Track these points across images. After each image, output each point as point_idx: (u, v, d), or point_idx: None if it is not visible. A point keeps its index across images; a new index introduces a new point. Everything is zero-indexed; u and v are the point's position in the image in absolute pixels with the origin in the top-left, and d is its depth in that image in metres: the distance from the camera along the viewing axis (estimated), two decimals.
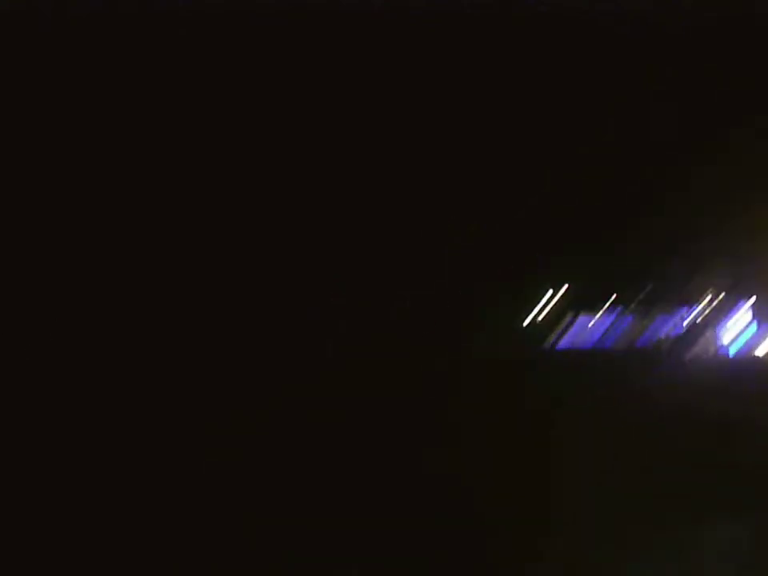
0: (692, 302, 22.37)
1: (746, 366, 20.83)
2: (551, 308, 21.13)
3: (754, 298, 25.51)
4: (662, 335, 25.30)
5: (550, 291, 21.88)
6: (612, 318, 23.02)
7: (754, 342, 21.98)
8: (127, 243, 11.21)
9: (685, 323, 23.16)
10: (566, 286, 22.60)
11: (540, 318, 20.85)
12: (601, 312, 22.95)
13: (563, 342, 23.00)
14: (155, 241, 11.32)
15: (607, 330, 22.16)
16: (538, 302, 20.91)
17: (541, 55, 14.27)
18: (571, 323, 22.55)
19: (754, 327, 24.45)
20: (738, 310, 25.17)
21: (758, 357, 21.56)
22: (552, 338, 20.92)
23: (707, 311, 23.64)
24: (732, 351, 22.52)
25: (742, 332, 23.14)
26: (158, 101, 13.87)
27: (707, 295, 22.99)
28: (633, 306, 22.89)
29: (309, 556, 5.90)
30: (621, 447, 8.64)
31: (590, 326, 21.76)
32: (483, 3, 11.80)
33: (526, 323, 20.18)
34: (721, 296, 25.09)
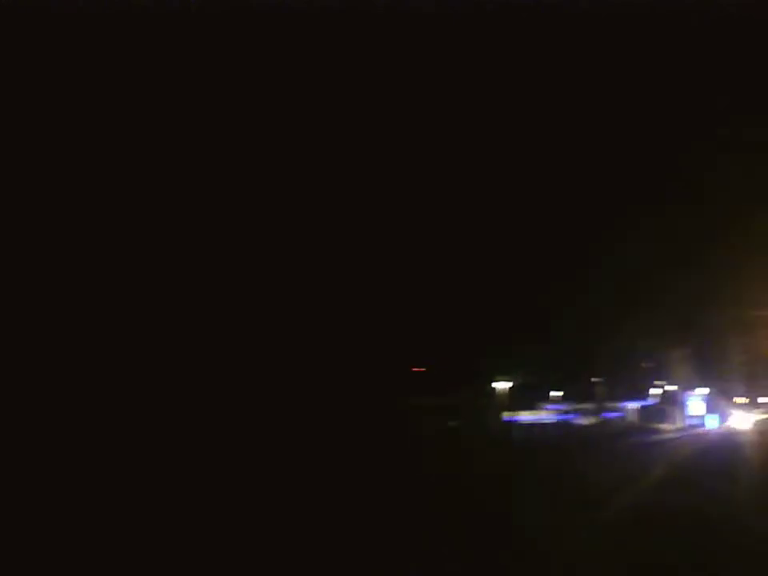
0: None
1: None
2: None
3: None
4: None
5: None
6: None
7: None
8: (125, 243, 15.05)
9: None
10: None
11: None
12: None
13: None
14: (146, 239, 15.00)
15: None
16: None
17: (537, 55, 17.23)
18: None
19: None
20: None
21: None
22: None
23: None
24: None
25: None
26: (157, 99, 15.58)
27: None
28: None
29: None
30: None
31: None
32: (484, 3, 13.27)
33: None
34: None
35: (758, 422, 45.39)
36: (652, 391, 47.38)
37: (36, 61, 13.26)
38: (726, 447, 25.53)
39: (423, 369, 34.44)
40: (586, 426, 39.97)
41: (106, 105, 14.70)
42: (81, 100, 14.30)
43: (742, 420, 48.93)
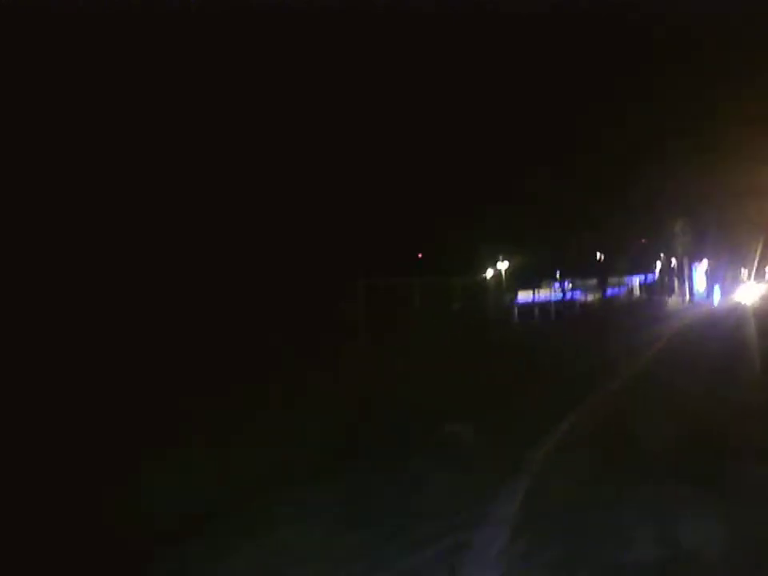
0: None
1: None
2: None
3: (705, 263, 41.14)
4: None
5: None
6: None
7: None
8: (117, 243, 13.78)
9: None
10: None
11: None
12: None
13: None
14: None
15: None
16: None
17: (537, 54, 19.06)
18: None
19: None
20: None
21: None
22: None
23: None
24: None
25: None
26: (157, 99, 15.03)
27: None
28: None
29: None
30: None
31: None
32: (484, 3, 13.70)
33: None
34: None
35: (764, 295, 44.52)
36: (656, 266, 46.92)
37: (36, 61, 13.04)
38: (732, 323, 24.66)
39: (421, 254, 34.09)
40: (589, 303, 39.89)
41: (106, 105, 14.52)
42: (81, 100, 14.06)
43: (748, 294, 48.49)
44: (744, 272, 52.38)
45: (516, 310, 36.21)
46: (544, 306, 37.11)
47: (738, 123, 28.55)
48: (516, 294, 37.49)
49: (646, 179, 36.45)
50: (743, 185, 35.89)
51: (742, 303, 41.31)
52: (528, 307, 37.19)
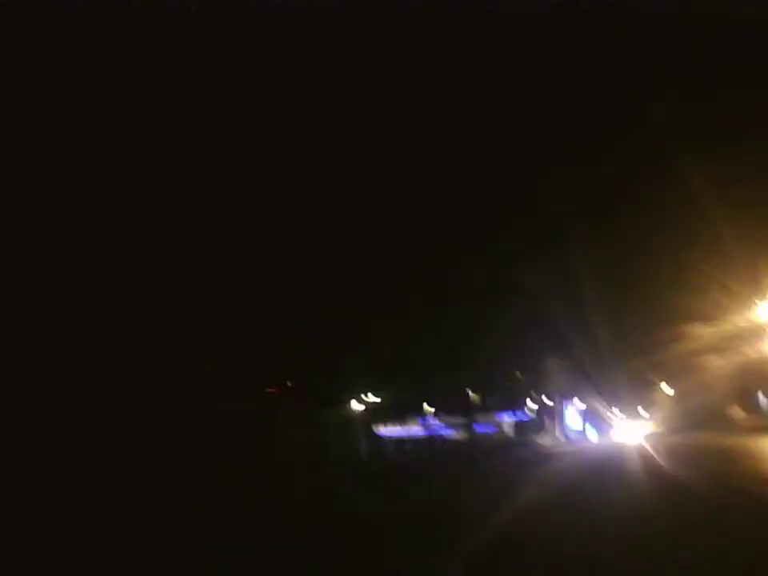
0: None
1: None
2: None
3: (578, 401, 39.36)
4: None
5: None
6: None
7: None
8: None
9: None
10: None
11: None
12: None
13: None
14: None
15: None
16: None
17: (537, 54, 17.71)
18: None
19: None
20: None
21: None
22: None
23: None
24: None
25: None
26: (157, 99, 15.84)
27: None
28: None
29: None
30: None
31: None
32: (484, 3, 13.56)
33: None
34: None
35: (649, 435, 43.37)
36: (528, 404, 46.53)
37: (36, 61, 13.42)
38: (617, 468, 23.27)
39: (282, 386, 33.29)
40: (457, 441, 39.03)
41: (106, 105, 14.96)
42: (81, 100, 14.52)
43: (625, 433, 47.99)
44: (619, 411, 52.53)
45: (379, 445, 35.11)
46: (408, 442, 36.24)
47: None
48: (385, 426, 36.51)
49: (525, 316, 36.15)
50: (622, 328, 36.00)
51: (622, 443, 39.51)
52: (393, 442, 36.25)
